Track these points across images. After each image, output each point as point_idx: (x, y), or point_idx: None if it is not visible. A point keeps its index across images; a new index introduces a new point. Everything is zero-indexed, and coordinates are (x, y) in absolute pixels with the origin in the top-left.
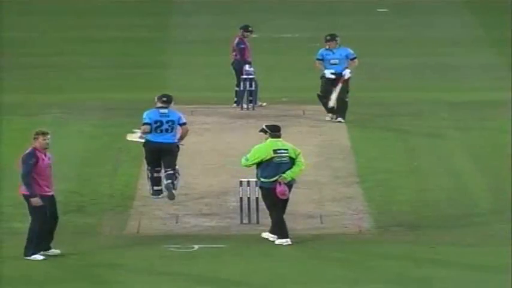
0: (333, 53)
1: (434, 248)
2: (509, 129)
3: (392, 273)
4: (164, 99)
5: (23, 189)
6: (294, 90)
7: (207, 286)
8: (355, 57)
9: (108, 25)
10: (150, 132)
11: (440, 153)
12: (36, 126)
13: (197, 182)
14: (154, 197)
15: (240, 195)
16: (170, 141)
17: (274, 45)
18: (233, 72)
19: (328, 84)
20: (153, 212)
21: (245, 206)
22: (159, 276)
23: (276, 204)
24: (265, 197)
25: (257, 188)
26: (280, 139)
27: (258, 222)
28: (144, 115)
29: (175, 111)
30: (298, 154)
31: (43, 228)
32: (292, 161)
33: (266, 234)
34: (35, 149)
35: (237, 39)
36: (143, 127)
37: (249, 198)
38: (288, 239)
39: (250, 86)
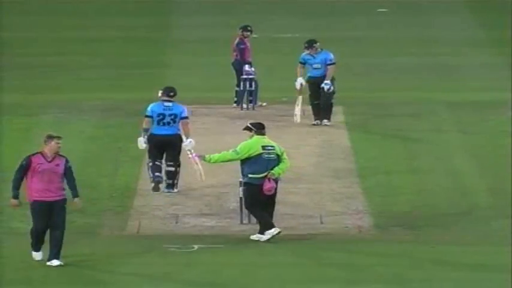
0: (314, 57)
1: (434, 247)
2: (509, 129)
3: (392, 273)
4: (171, 93)
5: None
6: (294, 90)
7: (207, 286)
8: (333, 63)
9: (108, 25)
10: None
11: (440, 153)
12: (36, 126)
13: (197, 182)
14: (155, 190)
15: (240, 195)
16: (173, 132)
17: (274, 45)
18: (233, 72)
19: (316, 88)
20: (153, 212)
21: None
22: (159, 276)
23: (259, 201)
24: (250, 193)
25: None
26: (265, 137)
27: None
28: (148, 108)
29: (180, 105)
30: (283, 152)
31: (39, 233)
32: (278, 158)
33: (256, 236)
34: (38, 152)
35: (237, 39)
36: (145, 120)
37: None
38: (276, 228)
39: (250, 86)
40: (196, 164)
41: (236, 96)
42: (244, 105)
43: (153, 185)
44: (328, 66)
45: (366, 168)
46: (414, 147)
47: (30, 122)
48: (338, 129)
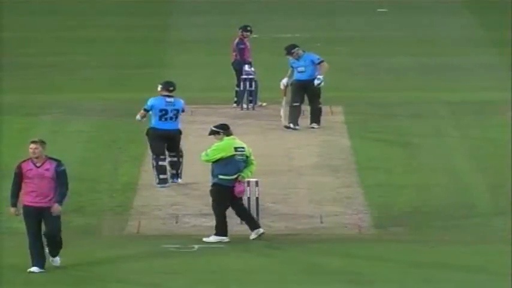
0: (298, 61)
1: (434, 247)
2: (509, 129)
3: (393, 273)
4: (170, 88)
5: None
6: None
7: (207, 286)
8: (322, 61)
9: (108, 25)
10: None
11: (440, 153)
12: (36, 126)
13: (197, 182)
14: (160, 185)
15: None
16: (175, 127)
17: (274, 45)
18: (233, 72)
19: (299, 90)
20: (153, 212)
21: (245, 206)
22: (159, 276)
23: (226, 202)
24: (219, 194)
25: (257, 188)
26: (235, 137)
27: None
28: (149, 102)
29: (180, 99)
30: (251, 153)
31: (32, 241)
32: (246, 160)
33: (212, 238)
34: (29, 158)
35: (237, 39)
36: (142, 112)
37: (249, 198)
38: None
39: (250, 86)
40: None
41: (236, 96)
42: (244, 105)
43: (157, 181)
44: (319, 65)
45: (366, 168)
46: (414, 147)
47: (30, 122)
48: (338, 129)
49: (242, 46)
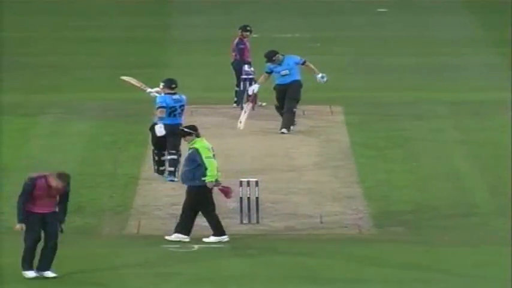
0: (280, 65)
1: (433, 247)
2: (509, 129)
3: (392, 273)
4: (172, 85)
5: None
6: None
7: (207, 286)
8: (305, 61)
9: (108, 25)
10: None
11: (440, 153)
12: (36, 126)
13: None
14: (158, 174)
15: (240, 195)
16: (179, 122)
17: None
18: (233, 72)
19: (283, 96)
20: (153, 212)
21: (245, 206)
22: (159, 276)
23: (212, 203)
24: (203, 197)
25: (257, 188)
26: (203, 137)
27: (258, 222)
28: (161, 100)
29: (182, 95)
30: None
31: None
32: None
33: (213, 239)
34: (43, 176)
35: (237, 39)
36: (160, 110)
37: (249, 198)
38: (188, 237)
39: (250, 86)
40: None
41: (236, 96)
42: (245, 105)
43: (155, 169)
44: (304, 65)
45: (366, 168)
46: (414, 147)
47: (30, 122)
48: (338, 129)
49: (242, 46)
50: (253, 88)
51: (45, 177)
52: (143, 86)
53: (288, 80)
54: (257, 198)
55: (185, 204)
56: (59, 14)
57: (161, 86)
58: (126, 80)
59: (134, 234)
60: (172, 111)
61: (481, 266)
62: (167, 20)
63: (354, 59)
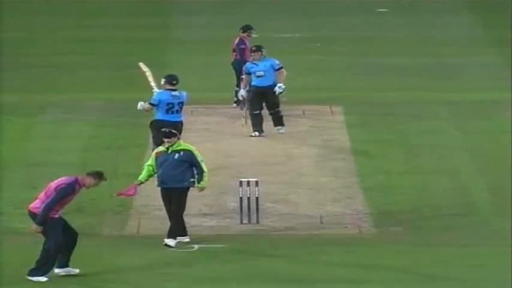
0: (257, 65)
1: (433, 247)
2: (509, 129)
3: (392, 273)
4: (174, 82)
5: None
6: (294, 90)
7: (207, 286)
8: (281, 67)
9: (108, 25)
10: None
11: (440, 154)
12: (36, 126)
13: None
14: None
15: (240, 195)
16: (179, 119)
17: (274, 45)
18: (233, 72)
19: (258, 98)
20: (153, 212)
21: (245, 206)
22: (159, 276)
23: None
24: (185, 197)
25: (257, 188)
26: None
27: (258, 222)
28: (156, 97)
29: (183, 92)
30: None
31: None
32: None
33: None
34: (78, 181)
35: (237, 39)
36: (147, 106)
37: (249, 198)
38: (188, 237)
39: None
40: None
41: (236, 96)
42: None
43: None
44: (278, 72)
45: (366, 168)
46: (414, 147)
47: (30, 122)
48: (338, 129)
49: (243, 46)
50: (242, 93)
51: (77, 181)
52: (152, 83)
53: (263, 82)
54: (257, 198)
55: (174, 207)
56: (59, 14)
57: (162, 82)
58: (142, 68)
59: (134, 234)
60: (170, 107)
61: (481, 266)
62: (167, 20)
63: (354, 59)
